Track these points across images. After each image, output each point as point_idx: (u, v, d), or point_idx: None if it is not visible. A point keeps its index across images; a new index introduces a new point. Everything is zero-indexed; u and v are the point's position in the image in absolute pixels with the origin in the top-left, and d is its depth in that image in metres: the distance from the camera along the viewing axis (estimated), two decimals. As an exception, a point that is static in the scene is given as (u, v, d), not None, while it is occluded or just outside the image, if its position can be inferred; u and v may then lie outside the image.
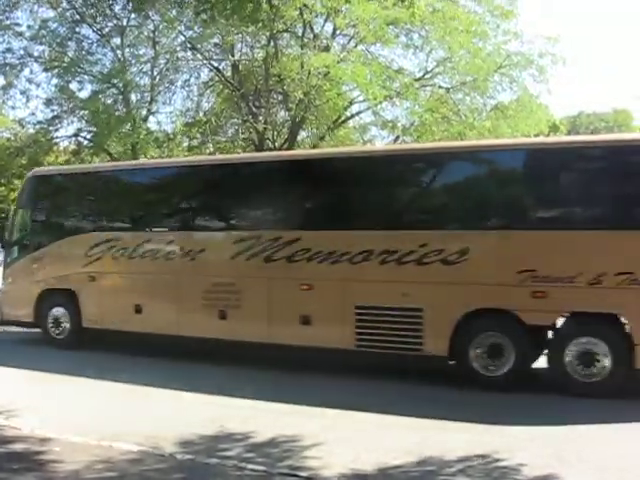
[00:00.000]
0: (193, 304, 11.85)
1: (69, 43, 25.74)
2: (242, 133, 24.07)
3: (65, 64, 25.48)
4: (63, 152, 28.43)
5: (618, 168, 9.38)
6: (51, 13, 25.89)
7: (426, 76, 22.79)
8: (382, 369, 10.48)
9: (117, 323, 12.58)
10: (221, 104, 25.14)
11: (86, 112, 25.57)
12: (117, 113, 24.45)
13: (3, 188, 32.61)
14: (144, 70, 25.29)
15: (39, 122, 26.39)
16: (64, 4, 25.50)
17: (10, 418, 8.22)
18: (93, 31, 25.69)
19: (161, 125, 26.82)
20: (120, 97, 24.84)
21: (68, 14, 25.55)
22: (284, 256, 11.00)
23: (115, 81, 24.34)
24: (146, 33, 25.41)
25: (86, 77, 25.83)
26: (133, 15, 24.67)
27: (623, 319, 9.03)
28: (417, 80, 22.29)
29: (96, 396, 9.66)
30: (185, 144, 26.79)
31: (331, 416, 8.38)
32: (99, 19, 25.47)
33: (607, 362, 9.01)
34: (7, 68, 25.64)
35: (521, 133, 22.36)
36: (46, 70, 26.16)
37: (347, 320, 10.57)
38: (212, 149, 23.65)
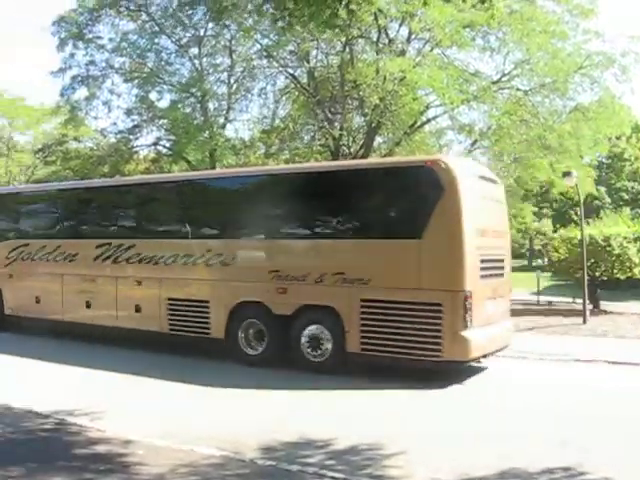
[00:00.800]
0: (71, 296, 14.99)
1: (149, 54, 26.41)
2: (318, 140, 24.11)
3: (145, 75, 26.11)
4: (143, 160, 29.07)
5: (333, 191, 11.94)
6: (131, 25, 26.71)
7: (503, 79, 22.41)
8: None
9: (25, 311, 15.97)
10: (297, 111, 25.27)
11: (165, 121, 26.19)
12: (195, 122, 24.85)
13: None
14: (221, 79, 25.71)
15: (120, 131, 27.22)
16: (144, 16, 26.14)
17: (95, 420, 8.41)
18: (172, 42, 26.30)
19: (238, 132, 27.13)
20: (198, 106, 25.24)
21: (148, 26, 26.17)
22: (124, 258, 14.11)
23: (193, 90, 24.80)
24: (223, 42, 25.83)
25: (165, 87, 26.48)
26: (210, 25, 25.08)
27: (338, 311, 11.24)
28: (494, 83, 21.93)
29: (166, 396, 9.98)
30: (261, 151, 27.05)
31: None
32: (178, 30, 25.98)
33: (329, 345, 11.39)
34: (90, 80, 26.48)
35: (603, 135, 21.77)
36: (127, 81, 26.93)
37: (162, 309, 13.37)
38: (288, 156, 23.78)
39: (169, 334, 13.31)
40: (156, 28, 25.89)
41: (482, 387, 10.64)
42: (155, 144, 27.73)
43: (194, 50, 26.02)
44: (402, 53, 21.47)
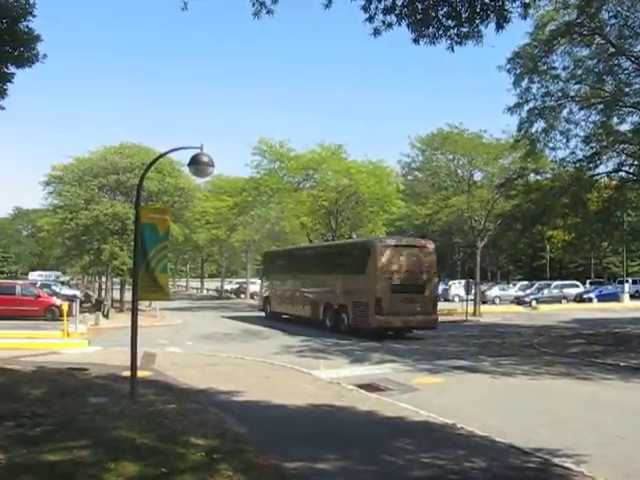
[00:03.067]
0: (286, 301, 34.67)
1: (605, 77, 25.55)
2: None
3: (603, 99, 25.30)
4: (604, 188, 28.01)
5: (345, 255, 30.44)
6: (585, 51, 26.05)
7: None
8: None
9: (274, 309, 36.22)
10: None
11: (627, 146, 24.95)
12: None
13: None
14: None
15: (579, 160, 26.66)
16: (598, 39, 25.26)
17: (580, 464, 8.21)
18: (631, 61, 25.02)
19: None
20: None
21: (603, 49, 25.31)
22: (298, 284, 33.12)
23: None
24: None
25: (625, 109, 25.27)
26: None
27: (347, 306, 27.28)
28: None
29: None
30: None
31: None
32: (638, 48, 24.70)
33: (346, 322, 27.27)
34: (546, 111, 26.45)
35: None
36: (583, 108, 26.35)
37: (309, 307, 31.18)
38: None
39: (309, 319, 30.44)
40: (612, 49, 24.92)
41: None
42: (617, 170, 26.59)
43: (655, 66, 24.42)
44: None
